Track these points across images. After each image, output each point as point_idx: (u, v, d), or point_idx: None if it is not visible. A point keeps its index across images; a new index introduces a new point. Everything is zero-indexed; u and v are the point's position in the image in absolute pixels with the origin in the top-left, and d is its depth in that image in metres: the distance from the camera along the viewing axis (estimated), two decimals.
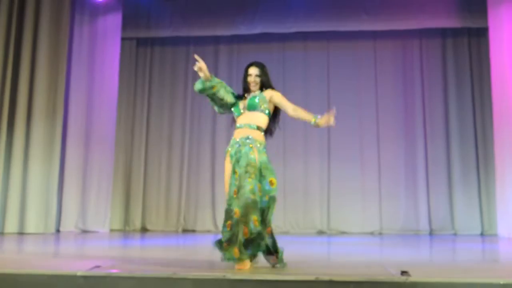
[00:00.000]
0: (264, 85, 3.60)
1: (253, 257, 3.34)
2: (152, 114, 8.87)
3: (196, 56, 3.49)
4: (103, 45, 8.18)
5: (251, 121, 3.49)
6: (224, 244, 3.23)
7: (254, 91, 3.60)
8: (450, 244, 6.19)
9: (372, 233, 7.99)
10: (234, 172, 3.33)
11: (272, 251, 3.39)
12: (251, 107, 3.51)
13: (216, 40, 8.77)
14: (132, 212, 8.55)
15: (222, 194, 8.20)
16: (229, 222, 3.25)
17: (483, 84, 8.13)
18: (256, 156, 3.35)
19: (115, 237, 6.91)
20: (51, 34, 7.45)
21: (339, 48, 8.63)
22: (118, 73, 8.31)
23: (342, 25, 8.17)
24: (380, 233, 8.00)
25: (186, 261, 3.75)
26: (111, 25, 8.27)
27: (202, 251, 4.87)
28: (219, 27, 8.40)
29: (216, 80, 3.53)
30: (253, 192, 3.23)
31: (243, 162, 3.31)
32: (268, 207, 3.32)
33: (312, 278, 2.73)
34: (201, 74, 3.48)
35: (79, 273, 2.83)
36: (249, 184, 3.24)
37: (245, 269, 3.16)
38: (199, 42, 8.83)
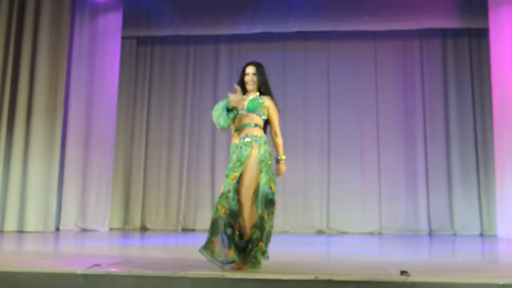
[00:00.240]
0: (261, 84, 3.60)
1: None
2: (152, 112, 8.85)
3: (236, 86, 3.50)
4: (103, 45, 8.17)
5: (250, 120, 3.50)
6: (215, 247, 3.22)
7: (251, 91, 3.60)
8: (450, 244, 6.19)
9: (371, 233, 7.99)
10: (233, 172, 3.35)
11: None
12: (251, 110, 3.51)
13: (216, 39, 8.77)
14: (131, 211, 8.55)
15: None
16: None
17: (483, 85, 8.12)
18: (261, 151, 3.39)
19: (115, 236, 6.92)
20: (51, 33, 7.45)
21: (340, 48, 8.63)
22: (118, 72, 8.30)
23: (342, 25, 8.17)
24: (380, 233, 8.00)
25: (185, 260, 3.75)
26: (112, 24, 8.27)
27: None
28: (220, 26, 8.40)
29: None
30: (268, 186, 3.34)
31: (241, 162, 3.36)
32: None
33: (311, 277, 2.73)
34: (238, 105, 3.46)
35: (78, 272, 2.84)
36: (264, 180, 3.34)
37: (243, 268, 3.17)
38: (199, 42, 8.83)
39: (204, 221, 8.39)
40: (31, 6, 7.39)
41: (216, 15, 8.38)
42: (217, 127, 3.51)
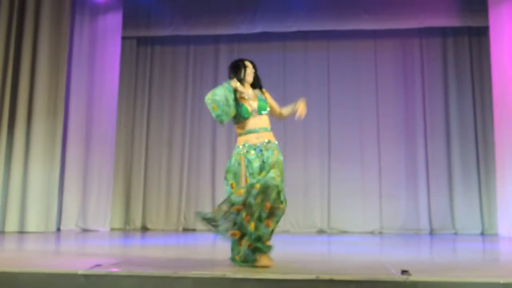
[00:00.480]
0: (256, 78, 3.66)
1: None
2: (152, 112, 8.86)
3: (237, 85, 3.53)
4: (104, 45, 8.17)
5: (265, 124, 3.54)
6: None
7: (247, 82, 3.62)
8: (451, 243, 6.19)
9: (372, 232, 8.00)
10: (259, 173, 3.36)
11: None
12: (263, 110, 3.55)
13: (216, 39, 8.77)
14: (132, 211, 8.56)
15: (223, 192, 8.20)
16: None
17: (483, 83, 8.12)
18: (280, 157, 3.46)
19: (116, 236, 6.92)
20: (51, 34, 7.45)
21: (339, 47, 8.63)
22: (118, 73, 8.30)
23: (342, 24, 8.16)
24: (381, 232, 8.01)
25: (186, 260, 3.75)
26: (112, 25, 8.27)
27: (202, 250, 4.88)
28: (219, 26, 8.40)
29: (219, 94, 3.51)
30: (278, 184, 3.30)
31: (268, 165, 3.37)
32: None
33: (312, 277, 2.73)
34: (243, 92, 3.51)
35: (80, 272, 2.84)
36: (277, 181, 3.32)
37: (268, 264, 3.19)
38: (199, 42, 8.83)
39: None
40: (31, 7, 7.39)
41: (216, 15, 8.38)
42: (216, 119, 3.49)
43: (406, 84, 8.42)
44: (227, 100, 3.46)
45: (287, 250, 4.80)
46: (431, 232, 7.93)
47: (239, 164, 3.45)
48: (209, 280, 2.76)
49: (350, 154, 8.29)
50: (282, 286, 2.72)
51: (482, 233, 7.80)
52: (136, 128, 8.81)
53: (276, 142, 3.53)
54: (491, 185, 7.73)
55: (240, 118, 3.53)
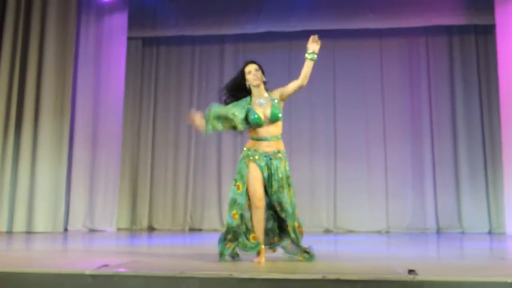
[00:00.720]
0: (264, 80, 3.73)
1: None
2: (158, 112, 8.88)
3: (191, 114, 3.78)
4: (109, 45, 8.21)
5: (277, 132, 3.67)
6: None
7: (257, 86, 3.67)
8: (458, 242, 6.16)
9: (379, 232, 7.97)
10: (271, 186, 3.61)
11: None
12: (276, 118, 3.64)
13: (221, 39, 8.77)
14: (139, 211, 8.59)
15: (229, 192, 8.20)
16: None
17: (490, 82, 8.06)
18: (286, 167, 3.67)
19: (122, 236, 6.95)
20: (57, 35, 7.49)
21: (345, 47, 8.60)
22: (124, 73, 8.34)
23: (347, 23, 8.14)
24: (387, 232, 7.98)
25: (193, 260, 3.76)
26: (117, 25, 8.30)
27: (209, 250, 4.88)
28: (224, 26, 8.41)
29: (214, 110, 3.73)
30: (291, 201, 3.68)
31: (277, 176, 3.60)
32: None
33: (319, 276, 2.72)
34: (198, 125, 3.76)
35: (87, 272, 2.85)
36: (287, 196, 3.64)
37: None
38: (204, 42, 8.84)
39: (211, 220, 8.41)
40: (37, 8, 7.43)
41: (220, 15, 8.39)
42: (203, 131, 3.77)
43: (412, 83, 8.38)
44: (223, 115, 3.69)
45: None
46: (438, 231, 7.89)
47: (247, 166, 3.60)
48: (216, 280, 2.76)
49: (356, 153, 8.27)
50: (289, 285, 2.72)
51: (490, 232, 7.75)
52: (142, 128, 8.83)
53: (284, 150, 3.71)
54: (498, 183, 7.68)
55: (253, 125, 3.66)
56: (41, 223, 7.11)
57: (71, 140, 7.73)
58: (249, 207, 3.64)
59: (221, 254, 3.56)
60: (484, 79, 8.16)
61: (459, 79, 8.22)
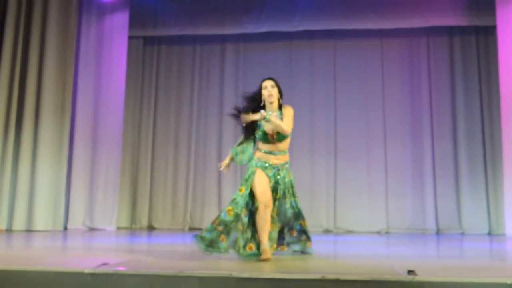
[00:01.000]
0: (280, 96, 3.94)
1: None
2: (159, 112, 8.89)
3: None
4: (110, 44, 8.21)
5: (284, 148, 3.95)
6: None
7: (272, 104, 3.86)
8: (457, 243, 6.16)
9: (378, 232, 7.97)
10: (276, 193, 3.90)
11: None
12: (283, 138, 3.89)
13: (223, 39, 8.77)
14: (139, 210, 8.59)
15: (229, 192, 8.22)
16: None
17: (491, 83, 8.06)
18: (291, 176, 4.02)
19: (122, 235, 6.95)
20: (58, 34, 7.50)
21: (346, 47, 8.60)
22: (125, 72, 8.33)
23: (348, 23, 8.14)
24: (387, 232, 7.98)
25: (192, 259, 3.76)
26: (118, 24, 8.30)
27: None
28: (226, 26, 8.41)
29: (236, 151, 3.98)
30: (291, 206, 4.06)
31: (283, 185, 3.92)
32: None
33: (318, 276, 2.73)
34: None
35: (86, 270, 2.85)
36: (294, 203, 4.08)
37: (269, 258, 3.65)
38: (205, 41, 8.84)
39: (211, 220, 8.37)
40: (38, 7, 7.44)
41: (222, 14, 8.39)
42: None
43: (412, 84, 8.38)
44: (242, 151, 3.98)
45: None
46: (438, 232, 7.89)
47: (253, 174, 3.82)
48: (215, 279, 2.76)
49: (357, 153, 8.27)
50: (288, 285, 2.72)
51: (489, 233, 7.75)
52: (142, 127, 8.84)
53: (289, 162, 4.02)
54: (498, 184, 7.68)
55: (262, 140, 3.89)
56: (41, 222, 7.12)
57: (72, 139, 7.73)
58: (249, 212, 3.81)
59: (212, 241, 3.70)
60: (484, 80, 8.16)
61: (460, 80, 8.22)
